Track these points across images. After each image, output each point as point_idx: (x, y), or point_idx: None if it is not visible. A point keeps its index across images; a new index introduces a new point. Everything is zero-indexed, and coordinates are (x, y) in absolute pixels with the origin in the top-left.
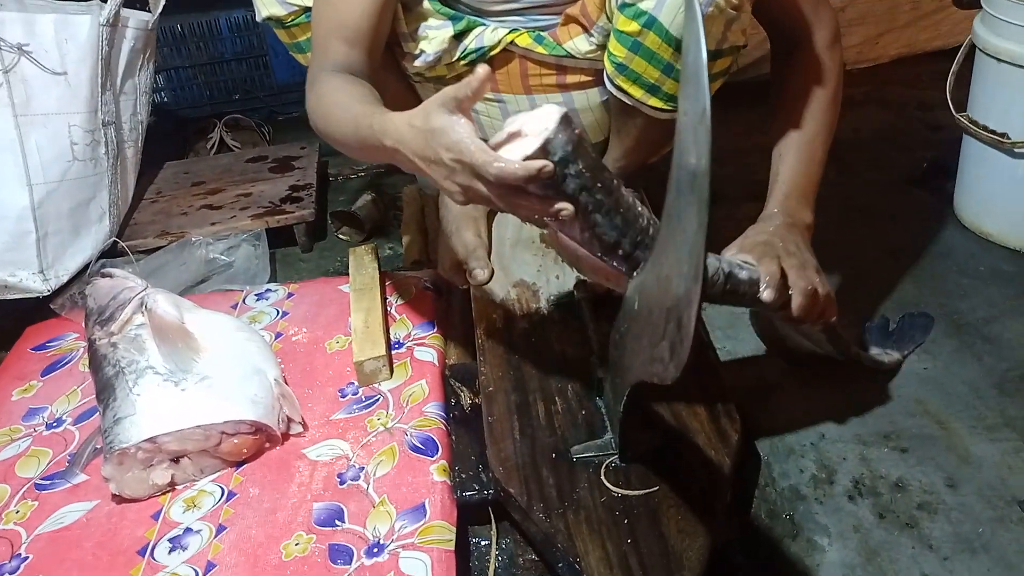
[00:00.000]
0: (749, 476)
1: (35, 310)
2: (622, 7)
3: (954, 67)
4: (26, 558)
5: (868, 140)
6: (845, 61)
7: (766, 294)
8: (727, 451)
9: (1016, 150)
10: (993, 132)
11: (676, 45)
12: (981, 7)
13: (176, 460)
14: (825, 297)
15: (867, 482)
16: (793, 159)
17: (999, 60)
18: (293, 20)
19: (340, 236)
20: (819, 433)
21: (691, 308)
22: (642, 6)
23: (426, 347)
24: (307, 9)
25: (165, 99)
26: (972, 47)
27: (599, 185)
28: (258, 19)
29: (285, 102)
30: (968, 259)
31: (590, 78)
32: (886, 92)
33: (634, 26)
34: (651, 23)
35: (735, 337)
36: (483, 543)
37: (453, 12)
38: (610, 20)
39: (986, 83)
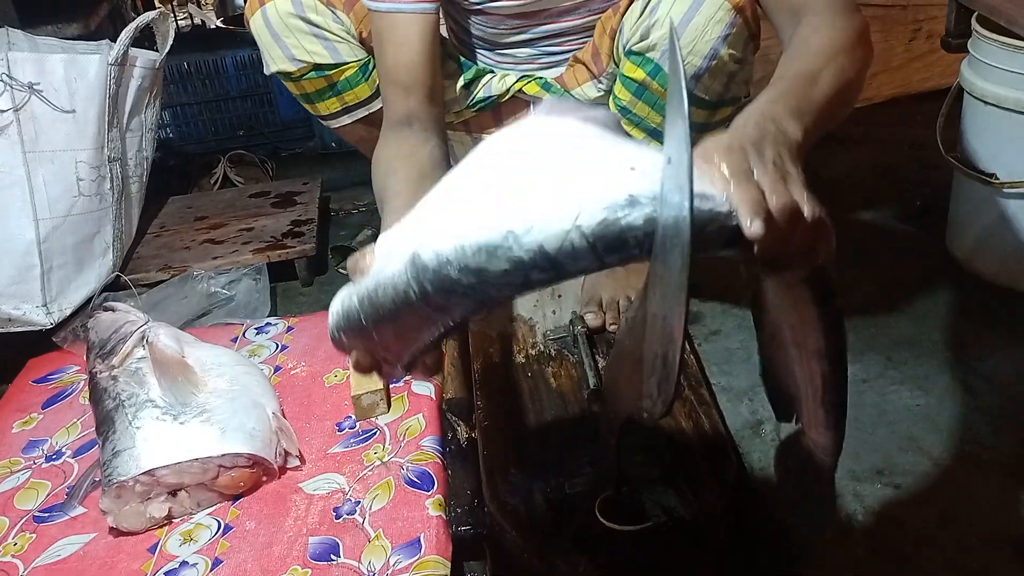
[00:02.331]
0: (744, 511)
1: (38, 343)
2: (628, 54)
3: (943, 108)
4: None
5: (862, 179)
6: None
7: (752, 228)
8: (722, 487)
9: (1005, 190)
10: (982, 172)
11: None
12: (968, 51)
13: (173, 493)
14: (816, 222)
15: (860, 518)
16: (790, 76)
17: (985, 103)
18: (302, 75)
19: (340, 271)
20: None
21: (675, 345)
22: (649, 55)
23: (424, 381)
24: (316, 66)
25: (171, 135)
26: (961, 89)
27: None
28: (266, 72)
29: (288, 138)
30: (960, 297)
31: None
32: (880, 132)
33: (640, 73)
34: (656, 72)
35: (730, 373)
36: None
37: (461, 55)
38: (617, 65)
39: (974, 125)
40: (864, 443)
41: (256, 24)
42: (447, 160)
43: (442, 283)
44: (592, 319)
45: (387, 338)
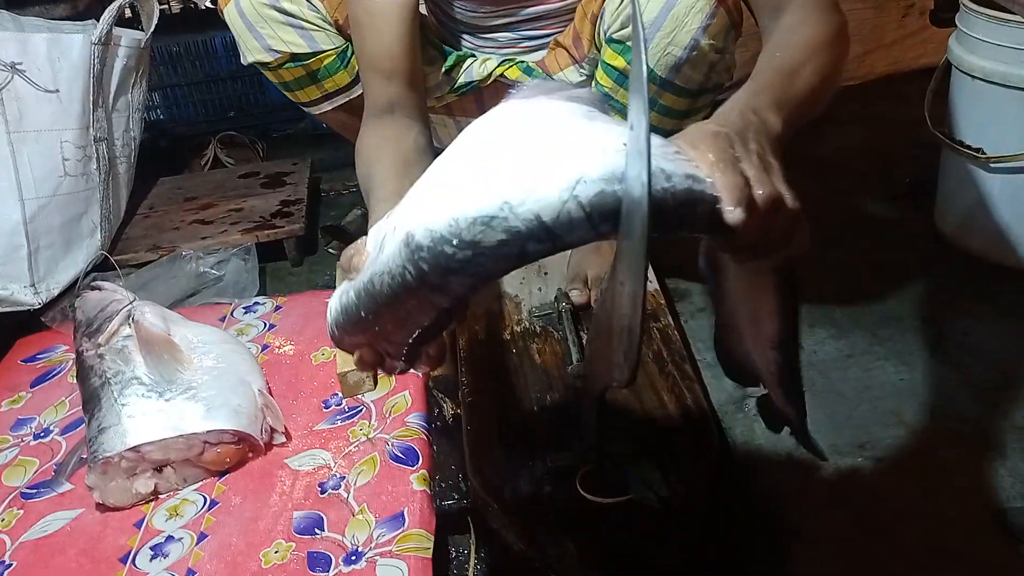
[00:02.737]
0: (725, 485)
1: (26, 323)
2: (609, 41)
3: (932, 84)
4: (10, 565)
5: (854, 157)
6: None
7: (734, 214)
8: (703, 461)
9: (991, 165)
10: (969, 147)
11: (660, 83)
12: (956, 25)
13: (159, 469)
14: (795, 213)
15: (842, 491)
16: (772, 69)
17: (973, 77)
18: (280, 65)
19: (330, 250)
20: (795, 443)
21: (636, 314)
22: (629, 44)
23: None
24: (293, 56)
25: (161, 117)
26: (949, 64)
27: None
28: (243, 62)
29: (279, 119)
30: (949, 274)
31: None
32: (873, 110)
33: (620, 61)
34: None
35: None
36: (463, 552)
37: (443, 41)
38: (599, 51)
39: (962, 100)
40: (847, 418)
41: (230, 14)
42: (431, 146)
43: (438, 260)
44: (577, 296)
45: (388, 328)
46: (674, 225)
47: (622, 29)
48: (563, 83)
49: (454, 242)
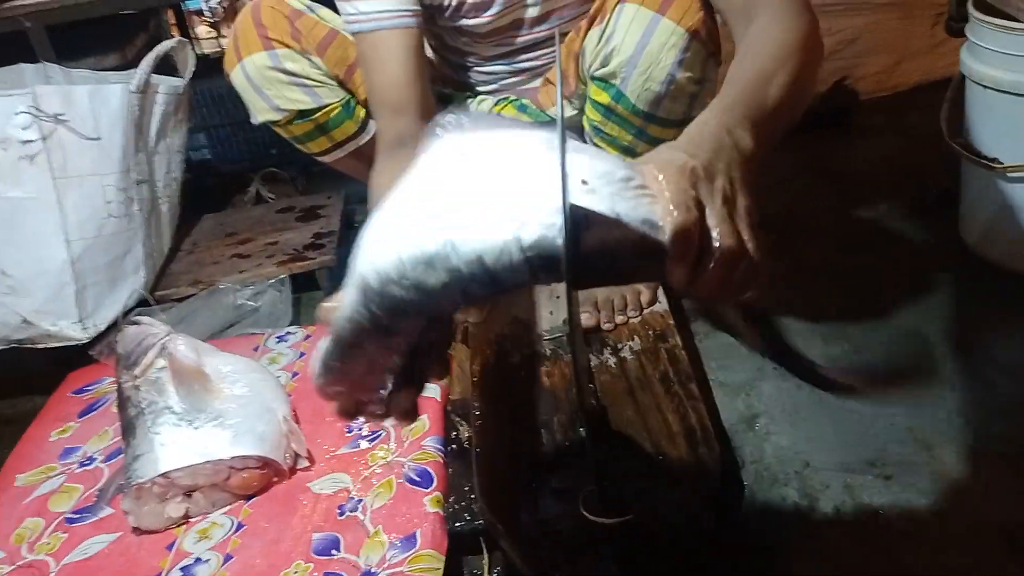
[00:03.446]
0: (730, 504)
1: (76, 356)
2: (593, 78)
3: (949, 94)
4: None
5: (882, 169)
6: (864, 91)
7: (676, 273)
8: (705, 480)
9: (1008, 175)
10: (985, 157)
11: (643, 115)
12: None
13: (189, 494)
14: (753, 265)
15: (848, 509)
16: (743, 80)
17: (984, 87)
18: (288, 122)
19: None
20: (804, 461)
21: (577, 350)
22: (611, 82)
23: (430, 383)
24: (300, 113)
25: (208, 156)
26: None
27: None
28: (254, 122)
29: None
30: (972, 285)
31: (576, 133)
32: (904, 120)
33: (605, 96)
34: (619, 97)
35: (728, 368)
36: (477, 573)
37: (444, 80)
38: (585, 85)
39: (975, 110)
40: (861, 436)
41: (237, 79)
42: None
43: (386, 302)
44: (587, 319)
45: (357, 375)
46: (619, 273)
47: (602, 68)
48: (512, 120)
49: (401, 283)
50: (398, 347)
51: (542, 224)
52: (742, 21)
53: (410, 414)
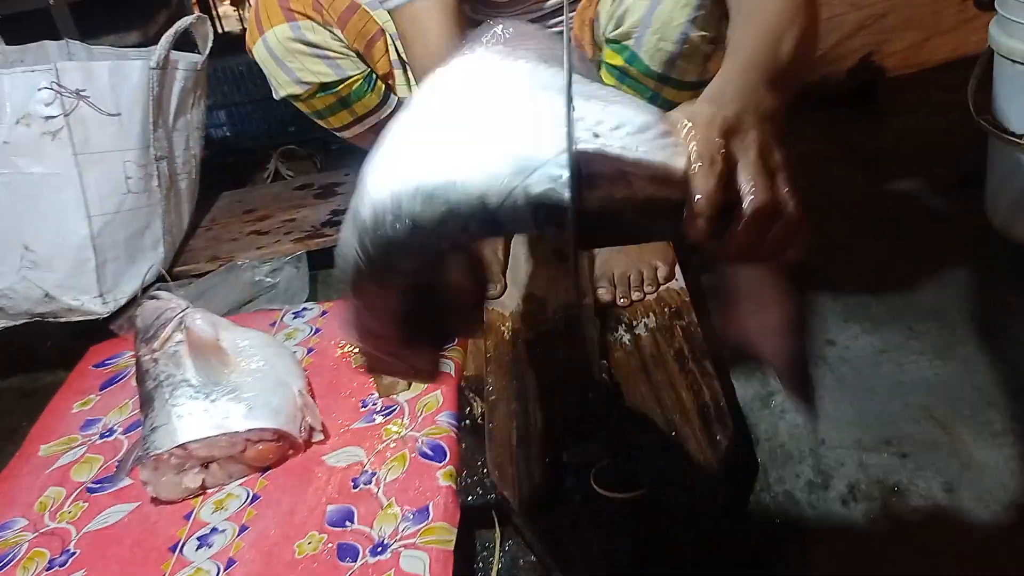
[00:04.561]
0: (743, 481)
1: (97, 331)
2: (608, 43)
3: (976, 70)
4: (74, 553)
5: (909, 147)
6: (891, 68)
7: (694, 227)
8: (716, 456)
9: None
10: (1012, 134)
11: (658, 77)
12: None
13: (206, 466)
14: (794, 222)
15: (863, 487)
16: (754, 40)
17: (1014, 62)
18: (311, 95)
19: None
20: (819, 439)
21: (585, 316)
22: (625, 43)
23: (445, 359)
24: (323, 86)
25: (227, 133)
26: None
27: None
28: (275, 97)
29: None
30: (996, 264)
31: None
32: (931, 97)
33: (619, 59)
34: (632, 59)
35: None
36: (489, 546)
37: None
38: (600, 51)
39: (1003, 85)
40: (877, 414)
41: (259, 52)
42: None
43: (379, 239)
44: (603, 294)
45: (363, 322)
46: (630, 232)
47: (616, 29)
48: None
49: (398, 215)
50: (398, 290)
51: (550, 176)
52: None
53: (425, 371)
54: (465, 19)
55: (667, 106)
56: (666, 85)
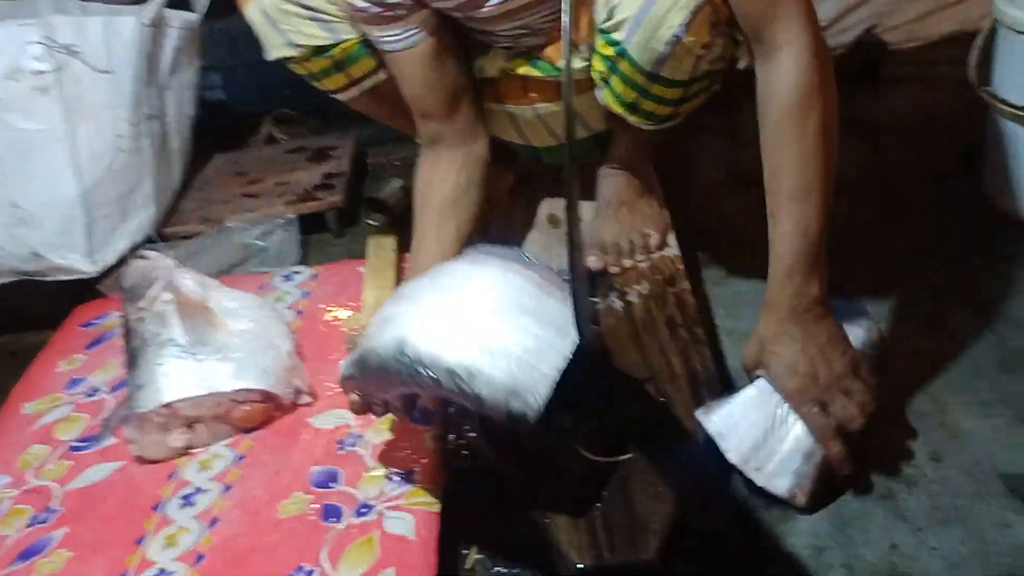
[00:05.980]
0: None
1: (84, 290)
2: (600, 32)
3: (979, 41)
4: (57, 510)
5: (908, 122)
6: (894, 41)
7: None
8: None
9: None
10: (1013, 106)
11: (646, 74)
12: None
13: (191, 426)
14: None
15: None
16: (789, 224)
17: (1018, 32)
18: (305, 57)
19: (368, 222)
20: None
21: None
22: (615, 35)
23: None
24: (317, 49)
25: (222, 96)
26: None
27: None
28: (267, 58)
29: (331, 98)
30: (995, 240)
31: (587, 85)
32: (934, 72)
33: (610, 51)
34: (623, 52)
35: (738, 316)
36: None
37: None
38: (595, 35)
39: (1006, 56)
40: None
41: (252, 12)
42: (484, 160)
43: (379, 376)
44: (594, 261)
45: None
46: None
47: (608, 20)
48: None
49: (429, 373)
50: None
51: (535, 408)
52: (755, 43)
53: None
54: (448, 57)
55: (658, 100)
56: (655, 83)
